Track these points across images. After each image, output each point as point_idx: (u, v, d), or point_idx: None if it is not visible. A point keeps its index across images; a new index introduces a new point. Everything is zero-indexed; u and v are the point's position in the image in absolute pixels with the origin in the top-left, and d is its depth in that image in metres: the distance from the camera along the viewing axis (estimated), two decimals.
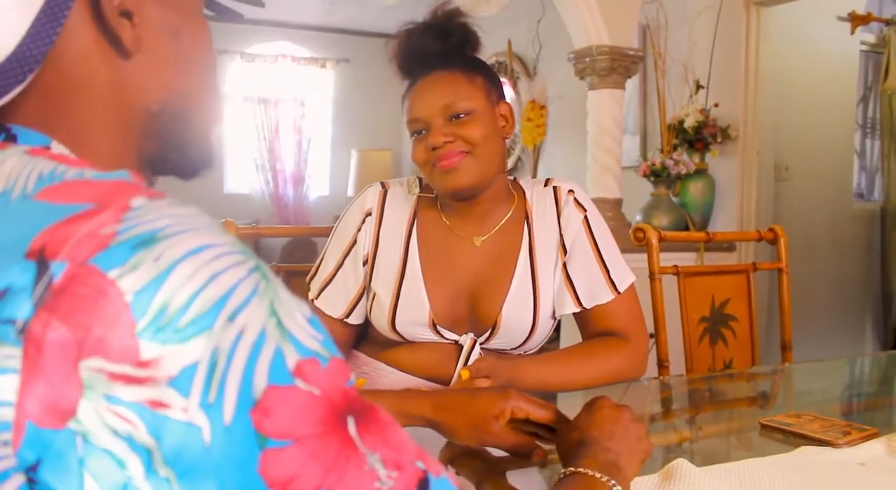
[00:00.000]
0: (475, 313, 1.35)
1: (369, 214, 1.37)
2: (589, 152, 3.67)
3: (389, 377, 1.37)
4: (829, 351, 4.00)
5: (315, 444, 0.40)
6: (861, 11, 4.11)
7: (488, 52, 5.94)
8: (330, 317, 1.36)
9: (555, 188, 1.41)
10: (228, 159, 6.67)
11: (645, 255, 1.80)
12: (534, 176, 5.29)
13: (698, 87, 3.88)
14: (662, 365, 1.76)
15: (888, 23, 4.49)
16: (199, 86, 0.61)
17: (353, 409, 0.43)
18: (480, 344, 1.34)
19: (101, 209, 0.42)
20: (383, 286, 1.34)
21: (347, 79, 7.02)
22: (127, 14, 0.54)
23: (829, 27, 4.18)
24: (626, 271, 1.42)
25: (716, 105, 3.81)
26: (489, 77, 1.34)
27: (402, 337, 1.35)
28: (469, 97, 1.28)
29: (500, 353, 1.36)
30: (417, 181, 1.43)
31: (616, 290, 1.39)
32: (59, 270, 0.39)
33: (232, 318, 0.40)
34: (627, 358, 1.39)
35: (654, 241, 1.77)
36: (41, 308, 0.39)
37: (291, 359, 0.41)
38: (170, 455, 0.38)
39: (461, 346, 1.34)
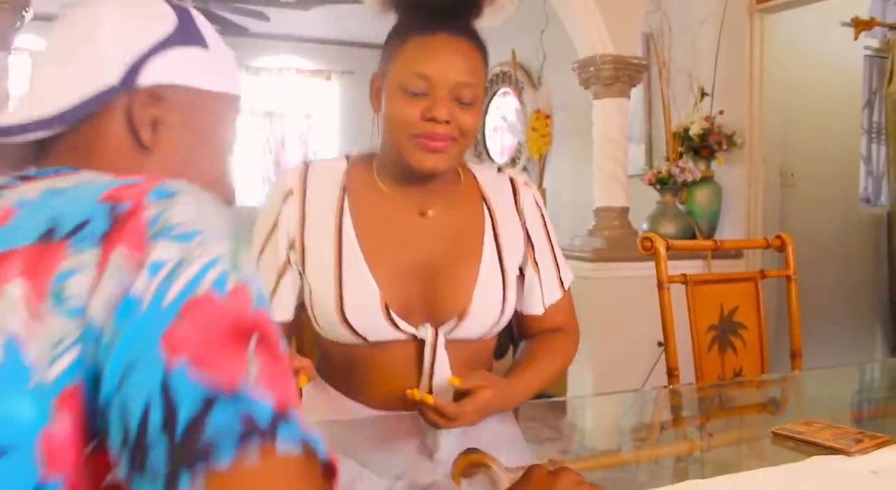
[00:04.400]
0: (437, 298, 1.22)
1: (290, 194, 1.24)
2: (595, 161, 3.67)
3: (361, 421, 1.24)
4: (839, 358, 3.99)
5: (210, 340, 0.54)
6: (864, 16, 4.11)
7: (492, 63, 5.95)
8: None
9: (511, 179, 1.35)
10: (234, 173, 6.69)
11: (652, 264, 1.80)
12: (540, 185, 5.29)
13: (703, 94, 3.88)
14: (672, 374, 1.75)
15: (892, 27, 4.49)
16: (212, 162, 0.80)
17: (259, 332, 0.55)
18: (446, 335, 1.21)
19: (145, 182, 0.62)
20: (322, 275, 1.20)
21: (353, 90, 7.03)
22: (154, 123, 0.73)
23: (832, 33, 4.18)
24: (568, 268, 1.39)
25: (721, 112, 3.81)
26: (487, 61, 1.24)
27: (355, 331, 1.19)
28: (478, 83, 1.18)
29: (460, 344, 1.23)
30: (345, 158, 1.31)
31: (563, 287, 1.36)
32: (124, 207, 0.59)
33: (203, 243, 0.57)
34: (573, 350, 1.38)
35: (662, 250, 1.77)
36: (112, 227, 0.57)
37: (231, 282, 0.56)
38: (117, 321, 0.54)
39: (420, 343, 1.20)
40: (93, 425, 0.55)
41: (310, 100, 6.77)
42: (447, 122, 1.15)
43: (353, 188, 1.25)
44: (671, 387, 1.71)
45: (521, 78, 5.60)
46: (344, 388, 1.29)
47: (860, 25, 4.06)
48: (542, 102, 5.18)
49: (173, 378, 0.51)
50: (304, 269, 1.22)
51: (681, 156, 3.82)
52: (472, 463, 0.93)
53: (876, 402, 1.63)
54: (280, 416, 0.52)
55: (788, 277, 1.95)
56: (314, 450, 0.54)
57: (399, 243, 1.23)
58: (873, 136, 5.04)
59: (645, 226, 3.77)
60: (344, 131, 7.12)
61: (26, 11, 2.65)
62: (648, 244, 1.78)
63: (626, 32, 3.60)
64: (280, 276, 1.23)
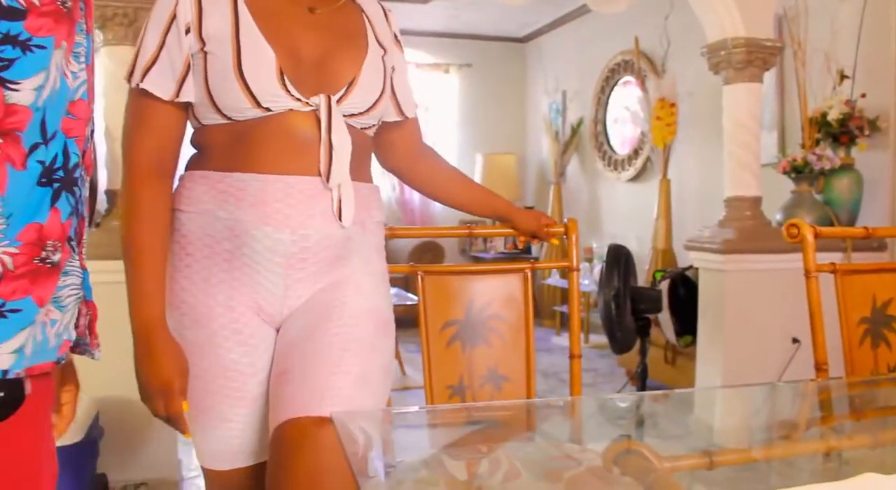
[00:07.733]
0: (328, 71, 1.32)
1: None
2: (725, 149, 3.55)
3: (251, 186, 1.28)
4: None
5: None
6: None
7: (615, 51, 5.84)
8: (159, 100, 1.28)
9: (380, 3, 1.48)
10: None
11: (787, 256, 1.71)
12: (664, 176, 5.15)
13: (842, 77, 3.68)
14: (820, 368, 1.67)
15: None
16: None
17: None
18: (337, 101, 1.30)
19: None
20: (219, 42, 1.26)
21: (471, 83, 7.07)
22: None
23: None
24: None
25: (863, 95, 3.60)
26: None
27: (251, 91, 1.26)
28: None
29: (349, 119, 1.33)
30: None
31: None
32: None
33: None
34: None
35: (810, 238, 1.68)
36: None
37: None
38: None
39: (315, 117, 1.28)
40: None
41: (428, 93, 6.84)
42: None
43: None
44: (819, 380, 1.62)
45: (645, 66, 5.47)
46: (229, 165, 1.30)
47: None
48: (667, 90, 5.04)
49: None
50: (201, 47, 1.28)
51: (817, 142, 3.64)
52: (624, 450, 0.90)
53: None
54: None
55: None
56: None
57: (291, 29, 1.32)
58: None
59: (778, 216, 3.61)
60: (462, 124, 7.16)
61: None
62: (795, 231, 1.69)
63: (758, 13, 3.45)
64: (187, 63, 1.28)
